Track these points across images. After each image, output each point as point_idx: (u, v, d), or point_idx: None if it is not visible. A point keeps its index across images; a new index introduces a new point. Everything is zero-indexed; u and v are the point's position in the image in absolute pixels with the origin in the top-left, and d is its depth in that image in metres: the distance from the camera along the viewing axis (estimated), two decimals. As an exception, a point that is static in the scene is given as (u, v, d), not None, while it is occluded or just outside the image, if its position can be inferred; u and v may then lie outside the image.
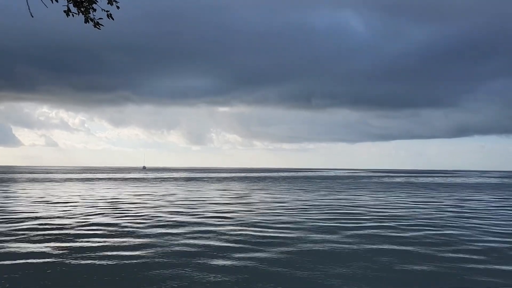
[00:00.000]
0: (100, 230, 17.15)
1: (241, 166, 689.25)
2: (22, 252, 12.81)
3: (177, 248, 13.59)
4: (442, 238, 15.94)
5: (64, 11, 5.69)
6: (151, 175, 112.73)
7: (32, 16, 5.74)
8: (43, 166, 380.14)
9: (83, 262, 11.72)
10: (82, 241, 14.69)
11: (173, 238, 15.50)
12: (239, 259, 12.20)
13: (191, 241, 14.78)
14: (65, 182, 63.16)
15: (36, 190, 41.76)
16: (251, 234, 16.37)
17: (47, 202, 29.17)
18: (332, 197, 36.24)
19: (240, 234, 16.32)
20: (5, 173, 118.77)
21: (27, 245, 13.93)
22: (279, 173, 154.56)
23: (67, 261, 11.73)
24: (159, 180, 75.28)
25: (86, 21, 5.79)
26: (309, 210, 25.27)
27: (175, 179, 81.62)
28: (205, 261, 11.92)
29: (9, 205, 26.91)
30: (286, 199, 33.09)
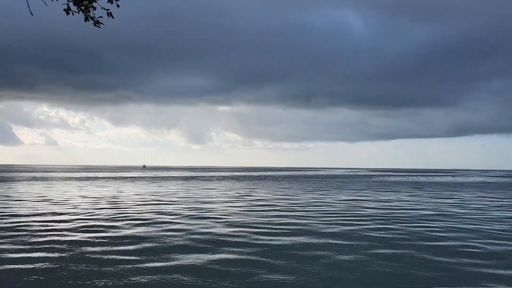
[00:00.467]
0: (96, 229, 17.12)
1: (241, 165, 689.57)
2: (19, 252, 12.79)
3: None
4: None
5: (64, 10, 5.64)
6: (151, 174, 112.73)
7: (32, 14, 5.69)
8: (43, 165, 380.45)
9: (82, 266, 11.69)
10: (79, 240, 14.67)
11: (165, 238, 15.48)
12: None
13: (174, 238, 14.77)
14: (65, 181, 63.15)
15: (35, 189, 41.73)
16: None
17: (45, 200, 29.14)
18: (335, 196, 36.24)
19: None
20: (5, 172, 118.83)
21: (25, 245, 13.90)
22: (279, 172, 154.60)
23: (66, 261, 11.70)
24: (159, 179, 75.26)
25: (86, 19, 5.75)
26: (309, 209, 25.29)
27: (175, 178, 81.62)
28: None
29: (8, 204, 26.90)
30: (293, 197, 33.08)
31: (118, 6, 5.83)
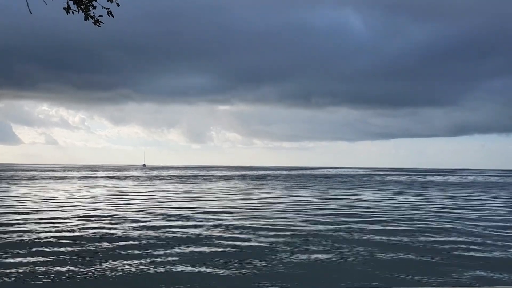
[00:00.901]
0: (94, 229, 17.13)
1: (241, 165, 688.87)
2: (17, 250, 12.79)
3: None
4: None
5: (64, 8, 5.63)
6: (151, 173, 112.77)
7: (31, 13, 5.68)
8: (43, 164, 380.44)
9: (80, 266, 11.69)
10: (75, 240, 14.67)
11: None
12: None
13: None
14: (64, 180, 63.15)
15: (34, 188, 41.74)
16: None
17: (44, 200, 29.15)
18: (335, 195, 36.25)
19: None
20: (4, 171, 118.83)
21: (23, 244, 13.91)
22: (279, 172, 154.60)
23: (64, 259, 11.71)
24: (160, 178, 75.30)
25: (86, 18, 5.73)
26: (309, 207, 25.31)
27: (175, 177, 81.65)
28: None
29: (7, 203, 26.90)
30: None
31: (118, 5, 5.82)
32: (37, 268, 10.83)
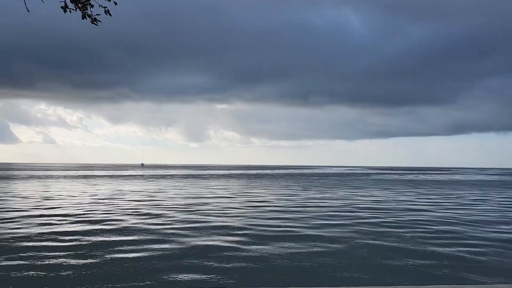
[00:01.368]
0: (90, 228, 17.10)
1: (239, 163, 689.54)
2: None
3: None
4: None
5: (62, 7, 5.61)
6: (149, 172, 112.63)
7: (28, 11, 5.65)
8: (41, 163, 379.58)
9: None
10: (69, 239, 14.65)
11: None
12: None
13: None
14: (61, 179, 63.04)
15: (31, 187, 41.66)
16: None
17: (38, 198, 29.08)
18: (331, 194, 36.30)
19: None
20: (1, 170, 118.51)
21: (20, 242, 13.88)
22: (277, 170, 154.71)
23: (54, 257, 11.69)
24: (159, 177, 75.23)
25: (84, 17, 5.71)
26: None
27: (173, 176, 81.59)
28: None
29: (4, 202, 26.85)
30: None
31: (115, 3, 5.80)
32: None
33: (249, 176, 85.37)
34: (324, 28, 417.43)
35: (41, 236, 15.05)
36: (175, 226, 17.68)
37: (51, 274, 10.21)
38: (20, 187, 43.13)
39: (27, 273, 10.33)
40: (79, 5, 5.68)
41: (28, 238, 14.77)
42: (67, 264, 11.20)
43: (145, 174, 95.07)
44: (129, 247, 13.36)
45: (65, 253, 12.46)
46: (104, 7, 5.69)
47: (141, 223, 18.44)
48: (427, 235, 16.08)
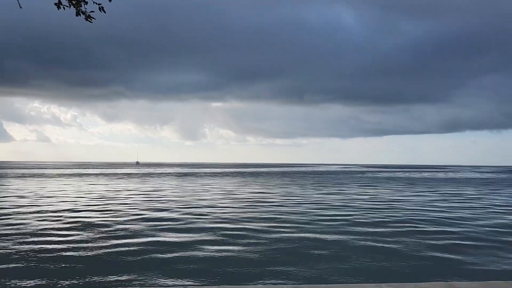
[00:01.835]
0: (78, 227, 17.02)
1: (234, 161, 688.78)
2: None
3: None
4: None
5: (55, 4, 5.55)
6: (144, 170, 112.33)
7: (21, 7, 5.59)
8: (35, 162, 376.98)
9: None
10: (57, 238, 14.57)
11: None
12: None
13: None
14: (55, 178, 62.68)
15: (22, 186, 41.38)
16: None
17: (29, 197, 28.90)
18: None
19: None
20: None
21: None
22: (272, 168, 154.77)
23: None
24: (155, 175, 75.05)
25: (78, 14, 5.65)
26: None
27: (168, 174, 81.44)
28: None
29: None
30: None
31: (110, 0, 5.74)
32: None
33: (244, 174, 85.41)
34: (319, 26, 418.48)
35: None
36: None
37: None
38: (12, 186, 42.83)
39: None
40: (73, 1, 5.62)
41: None
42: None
43: (139, 172, 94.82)
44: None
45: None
46: (99, 4, 5.63)
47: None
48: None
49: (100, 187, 41.72)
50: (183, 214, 20.99)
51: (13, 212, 21.26)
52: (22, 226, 16.90)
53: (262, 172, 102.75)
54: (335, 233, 15.65)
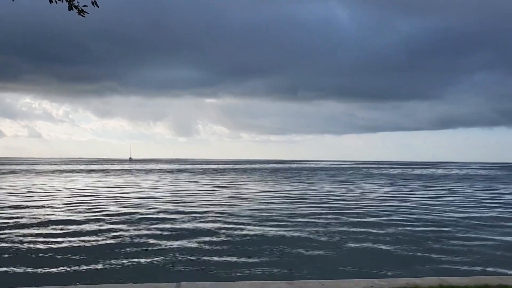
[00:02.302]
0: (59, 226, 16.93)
1: (228, 158, 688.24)
2: None
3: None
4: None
5: (48, -2, 5.50)
6: (137, 166, 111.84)
7: (13, 0, 5.53)
8: (26, 158, 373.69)
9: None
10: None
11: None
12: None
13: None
14: (46, 174, 62.20)
15: (12, 182, 41.01)
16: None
17: (17, 194, 28.67)
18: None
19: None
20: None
21: None
22: (266, 165, 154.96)
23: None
24: (147, 172, 74.74)
25: (70, 8, 5.60)
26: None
27: (162, 171, 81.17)
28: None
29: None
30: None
31: (103, -5, 5.70)
32: None
33: (237, 171, 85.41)
34: (312, 23, 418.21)
35: None
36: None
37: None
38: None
39: None
40: (65, -5, 5.57)
41: None
42: None
43: (132, 168, 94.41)
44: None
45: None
46: (92, -2, 5.59)
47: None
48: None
49: (83, 183, 41.46)
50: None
51: None
52: None
53: (252, 169, 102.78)
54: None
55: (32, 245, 12.55)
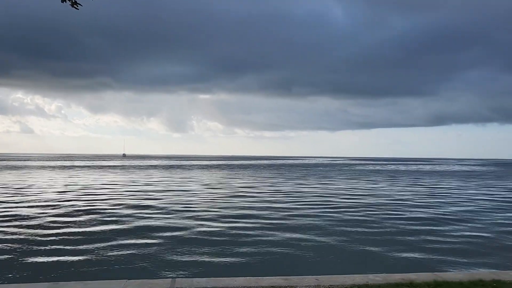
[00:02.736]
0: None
1: (222, 154, 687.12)
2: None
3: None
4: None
5: (39, -11, 5.39)
6: (131, 162, 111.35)
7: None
8: (18, 153, 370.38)
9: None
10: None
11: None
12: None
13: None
14: (38, 170, 61.73)
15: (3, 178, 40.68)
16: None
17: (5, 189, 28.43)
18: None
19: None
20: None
21: None
22: (260, 161, 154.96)
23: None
24: (142, 168, 74.43)
25: (63, 0, 5.50)
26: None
27: (155, 166, 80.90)
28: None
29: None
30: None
31: (96, -13, 5.60)
32: None
33: (232, 167, 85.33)
34: (307, 19, 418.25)
35: None
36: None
37: None
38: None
39: None
40: (58, -13, 5.46)
41: None
42: None
43: (125, 164, 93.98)
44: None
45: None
46: (85, -10, 5.48)
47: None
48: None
49: (70, 179, 41.22)
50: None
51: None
52: None
53: (244, 165, 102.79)
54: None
55: None
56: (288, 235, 13.87)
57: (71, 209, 19.34)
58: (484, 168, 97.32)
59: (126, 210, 19.07)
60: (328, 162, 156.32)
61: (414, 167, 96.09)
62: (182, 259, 10.79)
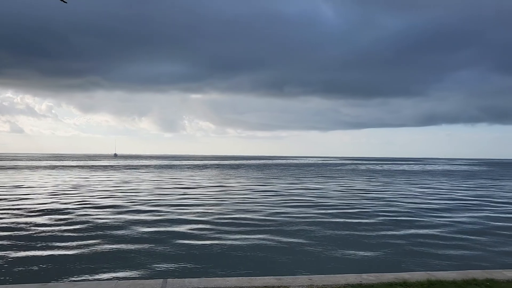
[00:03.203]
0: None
1: (214, 154, 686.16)
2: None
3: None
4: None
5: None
6: (122, 162, 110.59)
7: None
8: (7, 153, 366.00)
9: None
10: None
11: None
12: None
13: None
14: (29, 170, 61.02)
15: None
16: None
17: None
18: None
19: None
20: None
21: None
22: (252, 161, 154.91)
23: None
24: (132, 168, 73.94)
25: (50, -7, 5.36)
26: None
27: (147, 166, 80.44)
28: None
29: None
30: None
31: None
32: None
33: (224, 167, 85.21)
34: (298, 19, 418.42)
35: None
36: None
37: None
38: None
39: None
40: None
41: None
42: None
43: (118, 164, 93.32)
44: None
45: None
46: (72, -16, 5.33)
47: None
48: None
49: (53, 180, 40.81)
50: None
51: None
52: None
53: (235, 165, 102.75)
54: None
55: None
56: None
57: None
58: (475, 168, 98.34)
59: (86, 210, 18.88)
60: (321, 162, 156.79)
61: (405, 167, 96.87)
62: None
